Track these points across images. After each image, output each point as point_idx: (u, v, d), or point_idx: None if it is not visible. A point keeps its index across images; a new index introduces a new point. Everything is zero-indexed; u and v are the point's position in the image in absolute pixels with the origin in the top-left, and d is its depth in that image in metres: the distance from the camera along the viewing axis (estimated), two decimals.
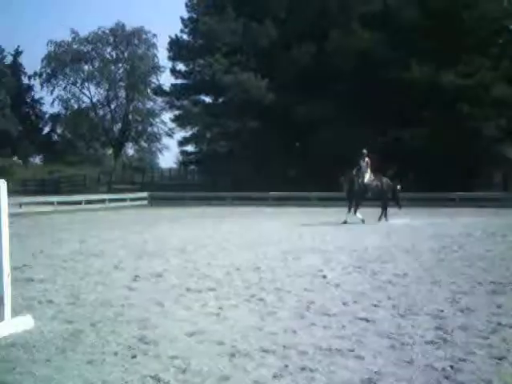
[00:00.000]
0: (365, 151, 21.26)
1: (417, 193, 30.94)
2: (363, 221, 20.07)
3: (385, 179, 21.98)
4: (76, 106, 75.06)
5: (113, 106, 74.50)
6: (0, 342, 5.72)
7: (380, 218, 21.03)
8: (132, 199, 37.74)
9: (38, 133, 76.59)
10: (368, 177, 21.10)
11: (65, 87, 73.93)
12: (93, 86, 74.21)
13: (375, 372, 4.78)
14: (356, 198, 20.78)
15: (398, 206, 22.41)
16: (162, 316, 6.70)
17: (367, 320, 6.41)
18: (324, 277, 9.25)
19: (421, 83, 36.33)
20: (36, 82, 74.74)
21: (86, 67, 73.47)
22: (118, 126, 74.49)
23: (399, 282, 8.72)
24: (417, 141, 36.02)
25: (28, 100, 77.15)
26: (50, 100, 77.19)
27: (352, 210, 20.66)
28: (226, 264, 10.77)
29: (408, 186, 28.10)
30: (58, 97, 73.78)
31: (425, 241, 14.51)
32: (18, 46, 75.84)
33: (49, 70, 72.57)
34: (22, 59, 76.21)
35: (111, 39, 72.49)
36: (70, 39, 71.86)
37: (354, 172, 21.01)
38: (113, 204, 35.58)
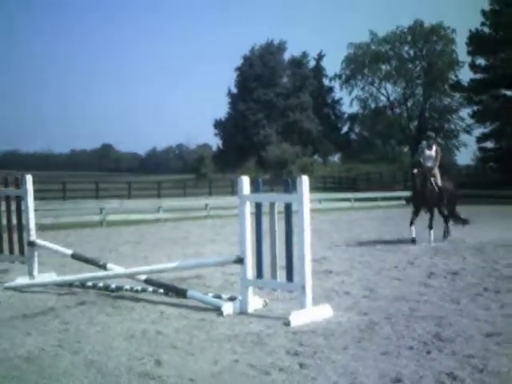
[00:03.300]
0: (432, 134, 15.79)
1: None
2: (414, 240, 13.71)
3: (449, 181, 15.55)
4: (373, 105, 76.40)
5: (409, 104, 74.32)
6: (302, 328, 6.10)
7: (446, 234, 14.78)
8: None
9: (337, 132, 79.54)
10: (439, 175, 14.47)
11: (363, 87, 75.74)
12: (390, 85, 74.94)
13: None
14: (430, 204, 14.22)
15: (458, 220, 15.35)
16: (458, 314, 6.56)
17: None
18: None
19: None
20: (336, 84, 77.69)
21: (383, 67, 74.39)
22: (414, 124, 74.10)
23: None
24: None
25: (328, 101, 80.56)
26: (348, 100, 79.59)
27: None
28: None
29: None
30: (356, 97, 75.89)
31: None
32: (321, 50, 79.78)
33: (348, 72, 74.89)
34: (324, 62, 79.88)
35: (409, 38, 72.34)
36: (368, 40, 73.39)
37: (421, 163, 14.39)
38: None
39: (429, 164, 14.23)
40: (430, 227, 13.92)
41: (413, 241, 13.59)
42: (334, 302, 7.21)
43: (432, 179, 14.10)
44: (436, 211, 14.40)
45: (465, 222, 15.36)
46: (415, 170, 13.87)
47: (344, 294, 7.82)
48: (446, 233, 14.75)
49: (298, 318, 6.27)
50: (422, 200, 14.03)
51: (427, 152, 14.45)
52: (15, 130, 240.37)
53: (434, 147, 14.51)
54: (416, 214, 14.25)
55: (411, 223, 14.03)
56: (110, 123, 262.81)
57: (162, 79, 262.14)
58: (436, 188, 14.12)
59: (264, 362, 4.98)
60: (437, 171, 14.34)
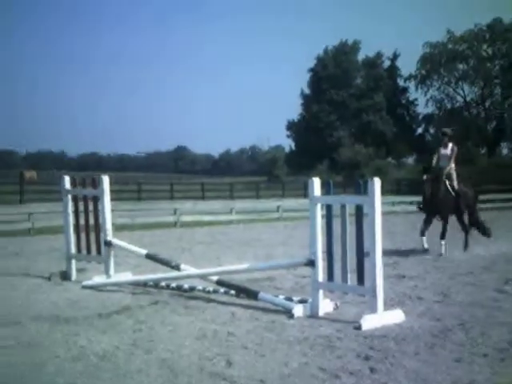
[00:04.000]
0: (448, 131, 13.67)
1: None
2: (427, 250, 12.47)
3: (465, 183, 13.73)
4: (449, 106, 74.80)
5: (487, 105, 72.44)
6: (373, 332, 6.06)
7: (466, 246, 12.94)
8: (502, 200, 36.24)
9: (412, 133, 78.20)
10: (455, 177, 13.00)
11: (439, 87, 74.20)
12: (467, 85, 73.18)
13: None
14: (445, 212, 12.83)
15: (484, 231, 13.58)
16: None
17: None
18: None
19: None
20: (411, 84, 76.44)
21: (460, 66, 72.74)
22: (492, 125, 72.18)
23: None
24: None
25: (403, 102, 79.34)
26: (423, 101, 77.87)
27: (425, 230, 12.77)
28: None
29: None
30: (431, 97, 74.44)
31: None
32: (396, 50, 78.73)
33: (424, 72, 73.60)
34: (399, 62, 78.77)
35: (487, 36, 70.53)
36: (445, 39, 71.92)
37: (434, 164, 13.05)
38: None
39: (444, 164, 12.92)
40: (443, 237, 12.59)
41: (425, 251, 12.42)
42: (407, 306, 7.13)
43: (447, 182, 12.77)
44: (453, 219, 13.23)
45: (488, 232, 13.54)
46: (424, 176, 12.62)
47: (417, 299, 7.71)
48: (466, 244, 13.02)
49: (369, 322, 6.24)
50: (435, 207, 12.68)
51: (442, 151, 13.07)
52: (93, 133, 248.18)
53: (450, 145, 13.05)
54: (428, 222, 12.88)
55: (422, 233, 12.74)
56: (185, 125, 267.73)
57: (238, 80, 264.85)
58: (452, 192, 12.77)
59: (334, 366, 4.98)
60: (453, 172, 12.98)
